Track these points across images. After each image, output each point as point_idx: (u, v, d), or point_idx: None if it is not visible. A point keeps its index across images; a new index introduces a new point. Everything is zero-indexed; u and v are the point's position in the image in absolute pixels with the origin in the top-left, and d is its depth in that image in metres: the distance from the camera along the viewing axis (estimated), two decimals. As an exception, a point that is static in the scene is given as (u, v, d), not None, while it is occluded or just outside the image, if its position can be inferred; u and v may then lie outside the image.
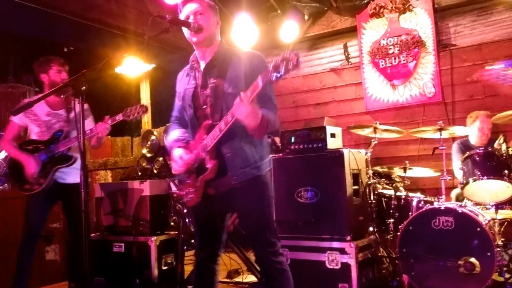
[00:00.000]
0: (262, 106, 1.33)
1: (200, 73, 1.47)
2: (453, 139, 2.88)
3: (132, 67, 3.88)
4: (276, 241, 1.45)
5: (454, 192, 2.61)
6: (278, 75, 1.17)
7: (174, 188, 1.56)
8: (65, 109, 2.22)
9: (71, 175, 2.17)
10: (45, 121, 2.19)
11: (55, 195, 2.19)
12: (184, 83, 1.52)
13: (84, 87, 1.32)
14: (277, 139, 2.99)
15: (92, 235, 2.68)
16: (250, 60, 1.44)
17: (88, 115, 2.27)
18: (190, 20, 1.42)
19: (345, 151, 2.13)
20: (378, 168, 2.60)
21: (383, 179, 2.60)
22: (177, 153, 1.45)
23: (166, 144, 1.56)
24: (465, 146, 2.73)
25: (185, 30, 1.45)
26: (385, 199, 2.43)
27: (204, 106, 1.44)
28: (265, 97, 1.38)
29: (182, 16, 1.46)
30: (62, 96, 2.19)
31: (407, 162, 2.51)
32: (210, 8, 1.47)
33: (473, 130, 2.71)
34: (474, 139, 2.73)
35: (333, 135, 2.25)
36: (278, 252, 1.45)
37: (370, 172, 2.40)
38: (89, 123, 2.20)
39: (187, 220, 2.33)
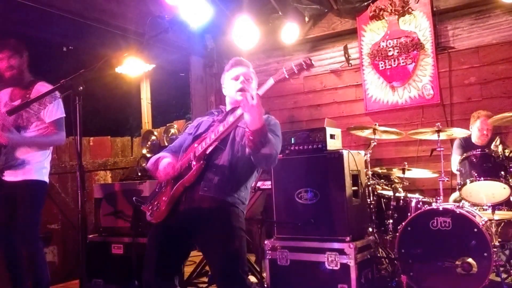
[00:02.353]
0: None
1: (223, 114, 1.55)
2: (451, 140, 2.91)
3: (133, 67, 3.88)
4: (246, 278, 1.33)
5: (453, 197, 2.63)
6: (290, 73, 1.27)
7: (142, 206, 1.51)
8: (21, 99, 1.95)
9: (14, 172, 1.93)
10: (1, 113, 1.98)
11: (4, 193, 1.97)
12: (204, 121, 1.59)
13: (81, 87, 1.30)
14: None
15: (90, 236, 2.67)
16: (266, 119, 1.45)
17: (47, 104, 1.87)
18: (239, 81, 1.50)
19: (345, 152, 2.15)
20: (377, 169, 2.62)
21: (382, 180, 2.62)
22: (167, 160, 1.44)
23: (148, 164, 1.51)
24: (466, 143, 2.76)
25: (231, 89, 1.51)
26: (384, 200, 2.45)
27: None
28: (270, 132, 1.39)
29: (231, 75, 1.53)
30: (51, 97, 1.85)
31: (406, 163, 2.54)
32: (255, 76, 1.57)
33: (474, 129, 2.73)
34: (474, 138, 2.76)
35: (332, 136, 2.26)
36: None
37: (370, 173, 2.42)
38: (48, 113, 1.89)
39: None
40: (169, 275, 1.41)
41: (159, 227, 1.42)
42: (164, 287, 1.40)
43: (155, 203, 1.43)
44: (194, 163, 1.38)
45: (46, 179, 2.02)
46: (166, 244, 1.40)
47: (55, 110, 1.96)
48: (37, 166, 1.96)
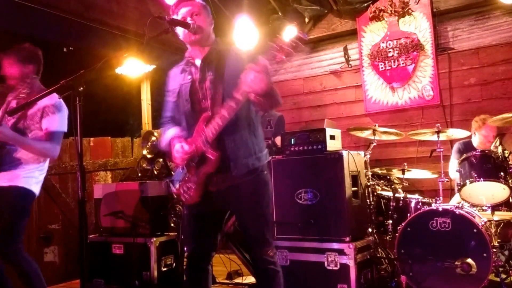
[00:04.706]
0: None
1: (197, 68, 1.49)
2: (451, 141, 2.91)
3: (133, 68, 3.88)
4: (272, 241, 1.48)
5: (454, 201, 2.62)
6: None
7: (173, 189, 1.56)
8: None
9: (2, 175, 1.80)
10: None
11: None
12: (179, 79, 1.52)
13: (81, 88, 1.28)
14: (278, 141, 3.02)
15: (91, 236, 2.68)
16: (248, 55, 1.47)
17: (48, 113, 1.78)
18: (189, 21, 1.44)
19: (345, 153, 2.15)
20: (377, 170, 2.63)
21: (382, 181, 2.63)
22: (178, 145, 1.44)
23: (162, 145, 1.53)
24: (466, 147, 2.73)
25: (180, 30, 1.46)
26: (384, 201, 2.46)
27: (204, 100, 1.44)
28: None
29: (178, 18, 1.47)
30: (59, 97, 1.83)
31: (405, 164, 2.55)
32: (204, 9, 1.51)
33: (478, 136, 2.69)
34: (476, 143, 2.73)
35: (332, 137, 2.27)
36: (273, 251, 1.47)
37: (369, 173, 2.42)
38: (48, 122, 1.77)
39: (187, 221, 2.34)
40: (210, 244, 1.52)
41: (193, 205, 1.48)
42: (204, 258, 1.52)
43: (185, 188, 1.46)
44: (209, 151, 1.38)
45: (35, 189, 1.83)
46: (200, 221, 1.50)
47: (56, 122, 1.81)
48: (26, 173, 1.81)
